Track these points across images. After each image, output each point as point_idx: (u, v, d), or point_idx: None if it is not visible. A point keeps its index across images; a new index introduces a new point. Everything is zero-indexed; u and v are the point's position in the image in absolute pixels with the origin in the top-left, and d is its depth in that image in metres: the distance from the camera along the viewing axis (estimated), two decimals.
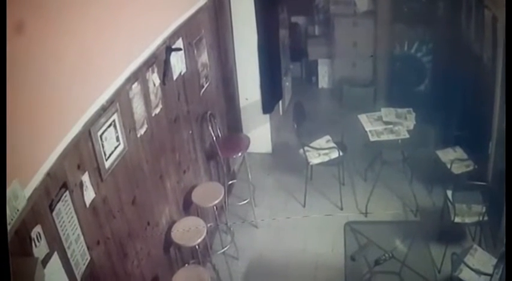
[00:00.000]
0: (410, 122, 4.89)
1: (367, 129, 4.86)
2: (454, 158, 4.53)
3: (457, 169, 4.48)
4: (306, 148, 4.87)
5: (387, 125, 4.88)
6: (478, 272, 3.41)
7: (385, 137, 4.77)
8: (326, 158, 4.89)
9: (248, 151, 4.81)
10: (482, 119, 4.29)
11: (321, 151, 4.92)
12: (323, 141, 5.10)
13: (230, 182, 5.15)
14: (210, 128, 4.41)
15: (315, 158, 4.88)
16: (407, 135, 4.73)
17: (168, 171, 3.62)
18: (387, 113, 5.01)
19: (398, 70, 6.20)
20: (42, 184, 2.12)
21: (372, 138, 4.77)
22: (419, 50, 6.08)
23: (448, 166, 4.48)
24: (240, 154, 4.82)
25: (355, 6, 6.38)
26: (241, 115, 5.63)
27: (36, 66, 2.04)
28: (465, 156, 4.60)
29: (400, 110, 5.03)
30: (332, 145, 4.99)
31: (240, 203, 4.95)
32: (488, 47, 4.19)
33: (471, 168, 4.48)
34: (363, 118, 5.01)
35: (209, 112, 4.42)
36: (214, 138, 4.46)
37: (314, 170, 5.21)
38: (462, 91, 4.95)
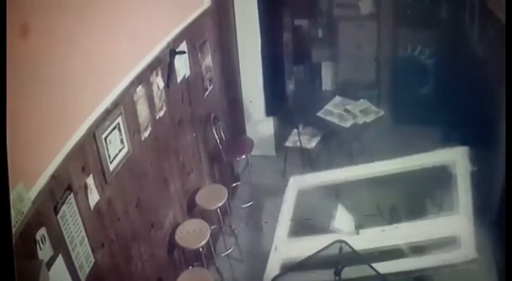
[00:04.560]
0: (367, 118, 5.23)
1: (326, 106, 5.40)
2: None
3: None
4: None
5: (343, 111, 5.30)
6: None
7: (329, 118, 5.24)
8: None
9: (252, 153, 4.81)
10: (485, 121, 4.29)
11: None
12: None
13: (234, 184, 5.15)
14: (213, 130, 4.42)
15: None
16: (346, 126, 5.12)
17: (172, 173, 3.63)
18: (357, 105, 5.39)
19: (402, 73, 6.18)
20: (47, 186, 2.13)
21: (318, 114, 5.30)
22: (422, 53, 6.06)
23: None
24: (243, 157, 4.82)
25: (358, 9, 6.37)
26: (244, 118, 5.63)
27: (41, 69, 2.05)
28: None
29: (373, 109, 5.34)
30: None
31: (244, 206, 4.95)
32: (491, 49, 4.19)
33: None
34: (336, 99, 5.52)
35: (213, 115, 4.43)
36: (218, 140, 4.46)
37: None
38: (465, 94, 4.94)
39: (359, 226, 3.59)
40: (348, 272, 2.98)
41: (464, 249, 3.11)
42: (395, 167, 4.14)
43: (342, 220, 3.66)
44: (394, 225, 3.52)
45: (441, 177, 3.92)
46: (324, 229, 3.68)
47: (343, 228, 3.56)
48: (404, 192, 4.45)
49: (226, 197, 4.02)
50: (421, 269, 3.14)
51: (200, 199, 3.98)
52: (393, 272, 3.09)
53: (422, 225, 3.47)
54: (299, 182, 4.27)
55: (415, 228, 3.44)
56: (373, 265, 2.93)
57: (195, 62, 4.01)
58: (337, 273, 3.12)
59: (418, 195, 4.36)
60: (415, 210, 4.10)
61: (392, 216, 4.12)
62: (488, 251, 4.06)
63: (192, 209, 4.00)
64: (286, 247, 3.65)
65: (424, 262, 3.16)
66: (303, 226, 4.00)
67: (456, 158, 3.85)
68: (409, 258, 3.27)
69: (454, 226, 3.30)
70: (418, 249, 3.32)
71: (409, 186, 4.26)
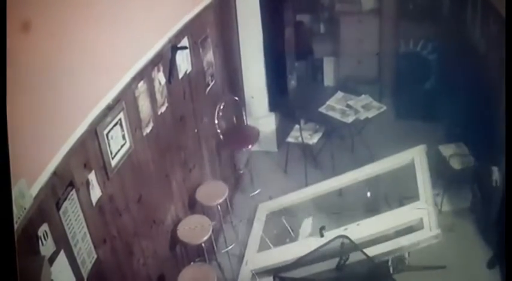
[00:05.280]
0: (369, 113, 5.20)
1: (328, 102, 5.38)
2: (452, 153, 4.57)
3: (458, 164, 4.53)
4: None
5: (345, 107, 5.28)
6: None
7: (331, 113, 5.22)
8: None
9: (254, 149, 4.81)
10: (486, 116, 4.28)
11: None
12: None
13: (235, 180, 5.15)
14: (215, 126, 4.42)
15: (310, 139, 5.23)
16: (348, 122, 5.11)
17: (173, 169, 3.63)
18: (359, 100, 5.36)
19: (404, 68, 6.17)
20: (49, 182, 2.13)
21: (320, 109, 5.28)
22: (424, 48, 6.05)
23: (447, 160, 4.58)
24: (250, 146, 4.83)
25: (360, 4, 6.35)
26: (246, 113, 5.62)
27: (42, 65, 2.05)
28: (466, 152, 4.62)
29: (375, 104, 5.31)
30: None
31: (245, 202, 4.95)
32: (494, 44, 4.17)
33: (472, 164, 4.52)
34: (338, 94, 5.50)
35: (215, 111, 4.43)
36: (220, 136, 4.46)
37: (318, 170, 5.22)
38: (467, 89, 4.94)
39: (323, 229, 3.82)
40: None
41: (427, 228, 3.49)
42: (363, 173, 4.49)
43: (307, 229, 4.13)
44: (357, 222, 3.83)
45: (405, 173, 4.28)
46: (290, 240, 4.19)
47: (309, 235, 3.99)
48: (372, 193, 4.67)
49: (226, 193, 4.01)
50: (389, 251, 3.49)
51: (200, 196, 3.97)
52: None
53: (388, 216, 3.86)
54: (267, 207, 4.79)
55: (380, 221, 3.82)
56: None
57: (196, 58, 4.00)
58: (340, 267, 3.15)
59: (386, 192, 4.62)
60: (380, 206, 4.45)
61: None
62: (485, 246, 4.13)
63: (193, 205, 4.00)
64: (255, 260, 4.13)
65: (392, 245, 3.51)
66: (271, 240, 4.37)
67: (414, 156, 4.29)
68: (380, 244, 3.56)
69: (418, 211, 3.70)
70: (387, 237, 3.63)
71: (375, 188, 4.45)
